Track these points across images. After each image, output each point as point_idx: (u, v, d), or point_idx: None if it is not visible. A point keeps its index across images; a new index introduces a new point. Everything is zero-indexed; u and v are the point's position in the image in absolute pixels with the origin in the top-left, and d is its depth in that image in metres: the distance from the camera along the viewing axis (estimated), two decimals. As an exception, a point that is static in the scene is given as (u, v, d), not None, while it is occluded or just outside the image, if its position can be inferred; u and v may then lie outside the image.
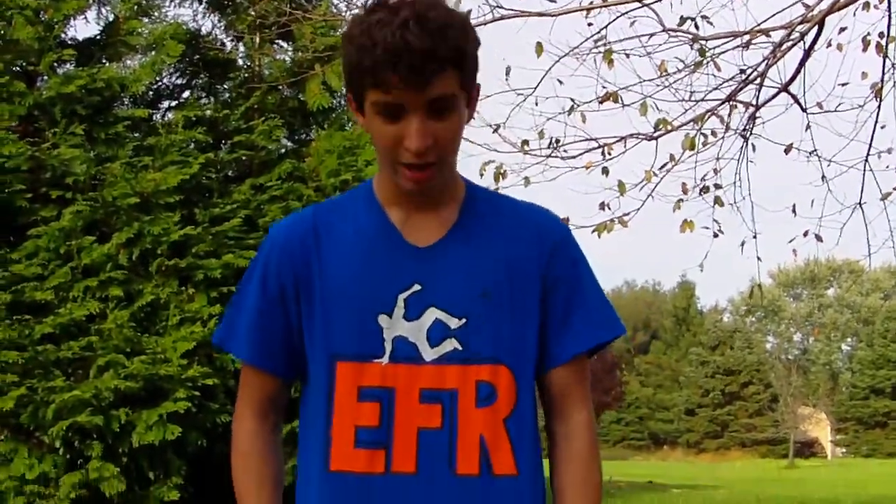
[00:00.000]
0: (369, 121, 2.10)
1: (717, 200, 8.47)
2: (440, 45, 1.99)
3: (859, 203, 8.47)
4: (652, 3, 7.77)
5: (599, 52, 7.96)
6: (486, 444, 2.13)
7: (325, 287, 2.17)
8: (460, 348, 2.14)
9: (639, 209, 8.37)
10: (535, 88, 8.14)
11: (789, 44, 7.95)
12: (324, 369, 2.18)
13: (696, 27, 7.94)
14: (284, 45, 11.35)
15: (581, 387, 2.26)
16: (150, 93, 11.03)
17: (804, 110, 8.33)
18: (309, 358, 2.22)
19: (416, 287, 2.15)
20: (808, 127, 8.42)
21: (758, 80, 8.18)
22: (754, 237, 8.60)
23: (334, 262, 2.18)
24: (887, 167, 8.46)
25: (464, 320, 2.15)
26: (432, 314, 2.15)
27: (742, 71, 8.22)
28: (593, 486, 2.23)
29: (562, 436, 2.25)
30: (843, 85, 8.46)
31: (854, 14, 7.85)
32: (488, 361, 2.14)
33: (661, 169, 8.36)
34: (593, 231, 8.15)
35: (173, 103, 11.27)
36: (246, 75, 11.05)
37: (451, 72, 2.03)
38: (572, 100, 8.16)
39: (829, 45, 8.18)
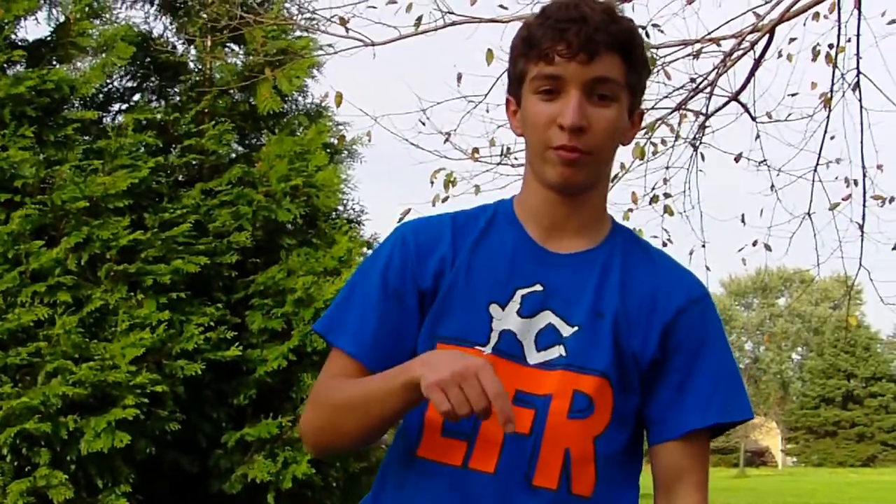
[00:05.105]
0: (525, 107, 2.08)
1: (667, 209, 8.52)
2: (612, 24, 2.01)
3: (808, 213, 8.54)
4: (603, 12, 7.79)
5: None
6: (571, 459, 2.05)
7: (449, 282, 2.11)
8: (565, 354, 2.05)
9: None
10: (486, 95, 8.14)
11: (739, 53, 8.01)
12: (427, 350, 2.08)
13: (647, 35, 7.96)
14: (236, 48, 11.29)
15: (696, 468, 2.14)
16: (101, 95, 10.92)
17: (754, 119, 8.40)
18: (419, 349, 2.12)
19: (538, 287, 2.09)
20: (757, 136, 8.49)
21: (708, 89, 8.24)
22: (703, 246, 8.65)
23: (465, 263, 2.12)
24: (836, 178, 8.53)
25: (576, 328, 2.07)
26: (547, 317, 2.08)
27: (692, 80, 8.27)
28: None
29: None
30: (793, 95, 8.54)
31: (804, 24, 7.92)
32: (593, 373, 2.06)
33: (612, 180, 8.40)
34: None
35: (124, 106, 11.16)
36: (197, 79, 10.97)
37: (618, 58, 2.03)
38: (523, 107, 8.17)
39: (780, 55, 8.26)
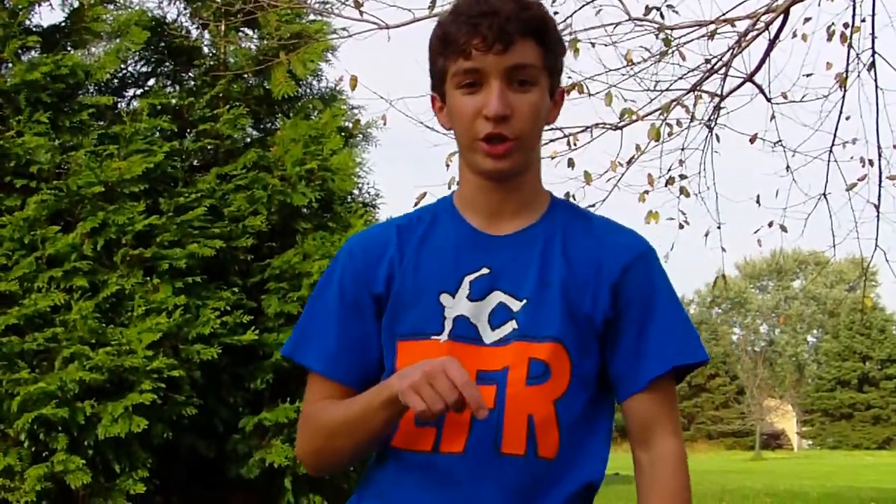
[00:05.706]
0: (450, 103, 2.16)
1: (683, 191, 8.50)
2: (523, 11, 2.08)
3: (824, 194, 8.51)
4: (617, -8, 7.77)
5: (565, 41, 7.95)
6: (535, 424, 2.11)
7: (399, 282, 2.19)
8: (517, 327, 2.13)
9: (604, 199, 8.39)
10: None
11: (754, 34, 7.97)
12: (389, 351, 2.20)
13: (662, 16, 7.95)
14: (250, 32, 11.28)
15: (665, 414, 2.20)
16: (115, 80, 10.93)
17: (769, 100, 8.37)
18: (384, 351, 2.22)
19: (485, 270, 2.17)
20: (772, 117, 8.46)
21: (723, 70, 8.20)
22: (718, 227, 8.63)
23: (411, 261, 2.20)
24: (852, 158, 8.50)
25: (525, 301, 2.14)
26: (497, 297, 2.16)
27: (707, 61, 8.24)
28: None
29: (646, 465, 2.21)
30: (808, 75, 8.54)
31: (819, 4, 7.91)
32: (546, 340, 2.12)
33: (628, 162, 8.38)
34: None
35: (138, 91, 11.17)
36: (211, 63, 10.97)
37: (533, 43, 2.10)
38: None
39: (794, 35, 8.21)
